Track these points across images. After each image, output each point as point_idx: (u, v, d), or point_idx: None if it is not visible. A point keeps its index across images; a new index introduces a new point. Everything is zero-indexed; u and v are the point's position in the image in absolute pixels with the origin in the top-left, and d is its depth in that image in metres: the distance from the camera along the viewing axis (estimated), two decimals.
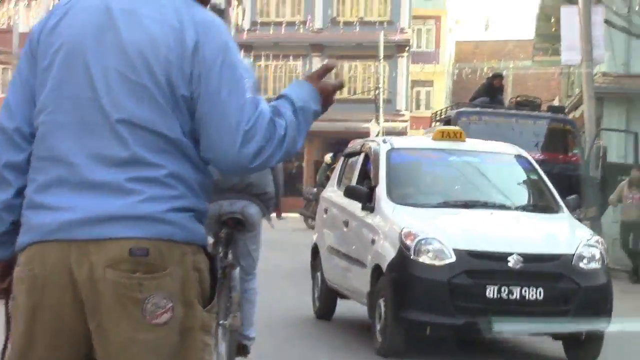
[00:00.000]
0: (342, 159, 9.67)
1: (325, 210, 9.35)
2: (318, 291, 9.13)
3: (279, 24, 38.47)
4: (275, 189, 6.18)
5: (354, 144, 9.65)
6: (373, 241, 7.46)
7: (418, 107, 45.50)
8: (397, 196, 7.75)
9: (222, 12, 43.85)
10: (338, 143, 40.40)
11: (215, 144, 2.23)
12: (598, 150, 15.08)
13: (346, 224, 8.36)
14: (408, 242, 6.92)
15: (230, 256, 5.79)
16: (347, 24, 38.95)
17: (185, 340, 2.21)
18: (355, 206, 8.07)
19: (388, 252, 7.11)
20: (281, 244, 16.60)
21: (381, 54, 36.63)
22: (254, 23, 39.73)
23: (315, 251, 9.40)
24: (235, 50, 2.29)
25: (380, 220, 7.58)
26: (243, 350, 5.97)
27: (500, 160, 8.91)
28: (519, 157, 8.82)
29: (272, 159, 2.26)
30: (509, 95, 26.66)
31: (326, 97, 2.40)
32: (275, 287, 10.45)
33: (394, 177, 7.95)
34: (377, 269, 7.26)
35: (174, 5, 2.27)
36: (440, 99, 45.67)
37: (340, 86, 2.46)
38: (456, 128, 8.97)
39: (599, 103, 18.16)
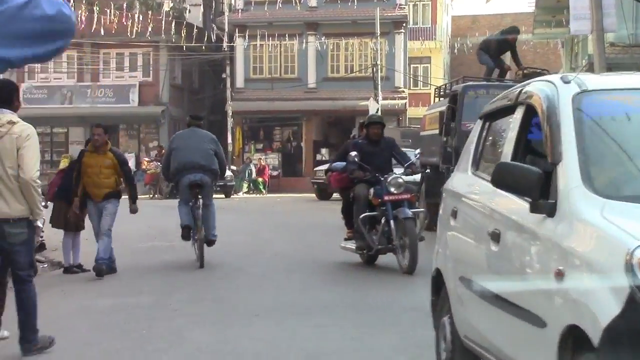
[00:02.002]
0: (479, 122, 5.49)
1: (454, 213, 5.28)
2: (446, 351, 5.18)
3: (273, 2, 37.75)
4: (221, 167, 11.72)
5: (502, 95, 5.17)
6: (559, 274, 3.57)
7: (416, 84, 44.86)
8: (605, 183, 3.82)
9: None
10: (336, 122, 39.92)
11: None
12: None
13: (496, 237, 4.37)
14: None
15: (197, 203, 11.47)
16: (343, 0, 38.27)
17: None
18: (515, 204, 4.20)
19: (600, 301, 3.25)
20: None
21: (378, 30, 35.96)
22: (247, 2, 38.99)
23: (437, 281, 5.39)
24: None
25: (574, 232, 3.65)
26: (210, 243, 11.52)
27: None
28: None
29: None
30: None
31: None
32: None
33: (593, 146, 3.94)
34: (573, 333, 3.43)
35: None
36: (438, 76, 45.03)
37: None
38: None
39: None
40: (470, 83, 15.46)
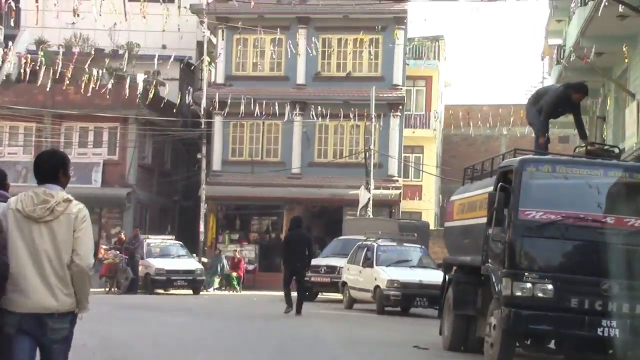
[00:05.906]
0: None
1: None
2: None
3: (257, 78, 34.57)
4: None
5: None
6: None
7: (406, 174, 41.29)
8: None
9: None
10: (321, 212, 36.06)
11: None
12: None
13: None
14: None
15: None
16: (333, 79, 34.97)
17: None
18: None
19: None
20: None
21: (373, 111, 32.49)
22: (229, 77, 35.61)
23: None
24: None
25: None
26: None
27: None
28: None
29: None
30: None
31: None
32: None
33: None
34: None
35: None
36: (431, 166, 41.66)
37: None
38: None
39: None
40: (530, 157, 11.65)
